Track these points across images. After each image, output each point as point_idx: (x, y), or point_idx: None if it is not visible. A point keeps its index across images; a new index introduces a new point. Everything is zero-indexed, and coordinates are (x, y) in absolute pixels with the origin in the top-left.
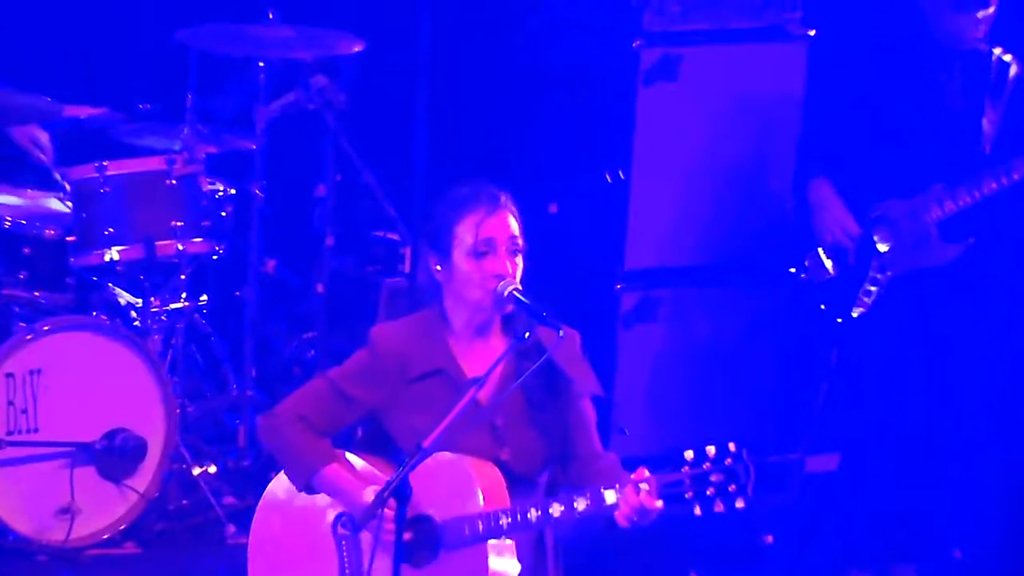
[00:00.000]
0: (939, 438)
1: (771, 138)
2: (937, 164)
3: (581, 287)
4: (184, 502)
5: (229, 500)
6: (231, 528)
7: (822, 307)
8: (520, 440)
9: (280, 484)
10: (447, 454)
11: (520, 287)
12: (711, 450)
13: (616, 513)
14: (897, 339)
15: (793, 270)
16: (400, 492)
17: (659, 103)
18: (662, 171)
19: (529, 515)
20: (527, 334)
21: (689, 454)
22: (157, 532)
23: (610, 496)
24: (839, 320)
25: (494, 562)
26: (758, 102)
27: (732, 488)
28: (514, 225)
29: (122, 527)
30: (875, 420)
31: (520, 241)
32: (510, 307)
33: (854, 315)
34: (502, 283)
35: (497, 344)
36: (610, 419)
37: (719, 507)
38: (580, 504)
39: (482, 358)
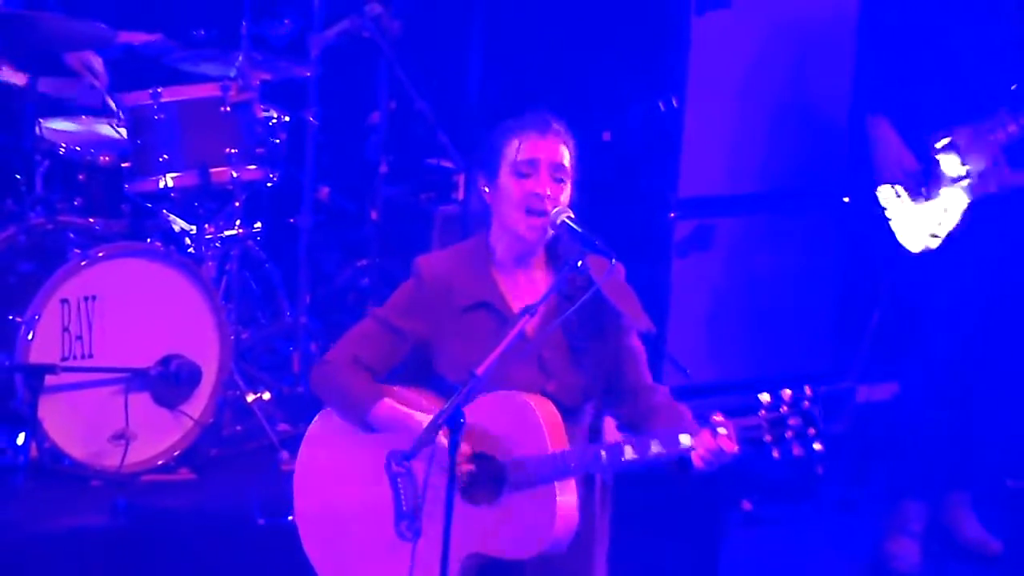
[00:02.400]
0: (993, 367)
1: (826, 65)
2: (997, 90)
3: (635, 216)
4: (238, 428)
5: (283, 426)
6: (284, 454)
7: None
8: (565, 373)
9: (324, 420)
10: (508, 393)
11: (572, 215)
12: (787, 393)
13: (692, 454)
14: (954, 267)
15: (847, 199)
16: (453, 421)
17: (713, 30)
18: (716, 99)
19: (600, 456)
20: (579, 262)
21: (765, 397)
22: (211, 458)
23: (685, 440)
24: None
25: (561, 500)
26: (812, 28)
27: (811, 431)
28: (564, 153)
29: (176, 453)
30: (929, 349)
31: (568, 170)
32: (551, 232)
33: (932, 246)
34: (555, 210)
35: (540, 276)
36: (664, 347)
37: (797, 451)
38: (655, 447)
39: (526, 290)
